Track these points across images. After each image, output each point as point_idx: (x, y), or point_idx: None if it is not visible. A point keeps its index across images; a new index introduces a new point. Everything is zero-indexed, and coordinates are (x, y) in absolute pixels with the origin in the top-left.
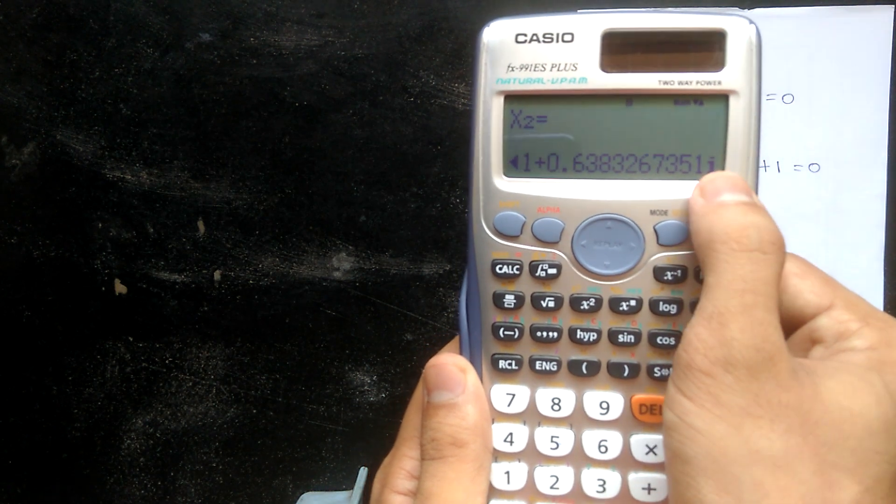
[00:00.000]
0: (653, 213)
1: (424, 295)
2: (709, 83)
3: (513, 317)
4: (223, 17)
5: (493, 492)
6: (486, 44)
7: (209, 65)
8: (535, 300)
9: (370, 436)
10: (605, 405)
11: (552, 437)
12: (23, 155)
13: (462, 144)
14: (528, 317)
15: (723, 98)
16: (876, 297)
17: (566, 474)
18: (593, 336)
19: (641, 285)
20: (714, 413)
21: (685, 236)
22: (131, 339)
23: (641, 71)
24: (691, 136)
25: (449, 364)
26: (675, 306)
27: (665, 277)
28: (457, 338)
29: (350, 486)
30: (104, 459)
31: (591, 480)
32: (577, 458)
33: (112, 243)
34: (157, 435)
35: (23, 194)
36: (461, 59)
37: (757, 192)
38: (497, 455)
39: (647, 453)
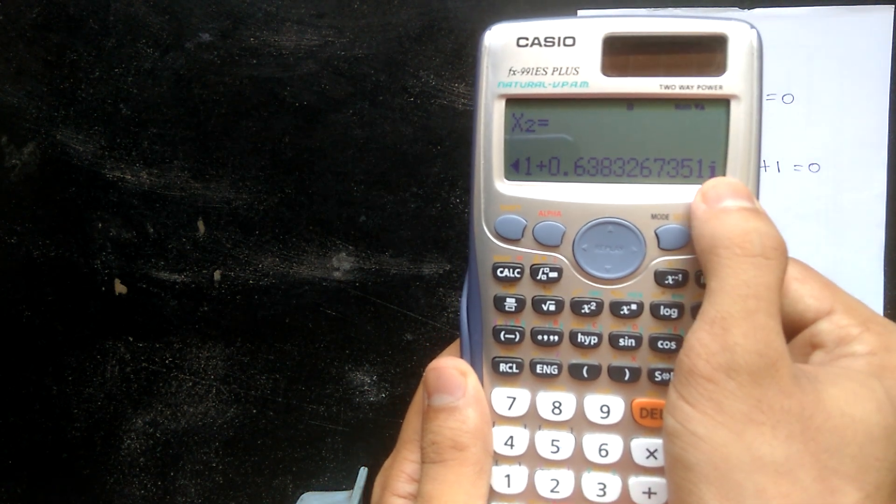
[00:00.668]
0: (654, 217)
1: (424, 295)
2: (710, 87)
3: (514, 320)
4: (223, 17)
5: (493, 495)
6: (487, 47)
7: (209, 65)
8: (536, 304)
9: (370, 436)
10: (605, 409)
11: (553, 440)
12: (23, 155)
13: (462, 144)
14: (528, 320)
15: (724, 102)
16: (876, 297)
17: (566, 478)
18: (594, 340)
19: (642, 289)
20: (716, 420)
21: (686, 240)
22: (131, 339)
23: (643, 75)
24: (692, 141)
25: (449, 367)
26: (675, 310)
27: (666, 281)
28: (457, 340)
29: (350, 486)
30: (104, 459)
31: (591, 484)
32: (578, 461)
33: (112, 243)
34: (157, 435)
35: (23, 194)
36: (461, 59)
37: (758, 196)
38: (497, 458)
39: (647, 457)
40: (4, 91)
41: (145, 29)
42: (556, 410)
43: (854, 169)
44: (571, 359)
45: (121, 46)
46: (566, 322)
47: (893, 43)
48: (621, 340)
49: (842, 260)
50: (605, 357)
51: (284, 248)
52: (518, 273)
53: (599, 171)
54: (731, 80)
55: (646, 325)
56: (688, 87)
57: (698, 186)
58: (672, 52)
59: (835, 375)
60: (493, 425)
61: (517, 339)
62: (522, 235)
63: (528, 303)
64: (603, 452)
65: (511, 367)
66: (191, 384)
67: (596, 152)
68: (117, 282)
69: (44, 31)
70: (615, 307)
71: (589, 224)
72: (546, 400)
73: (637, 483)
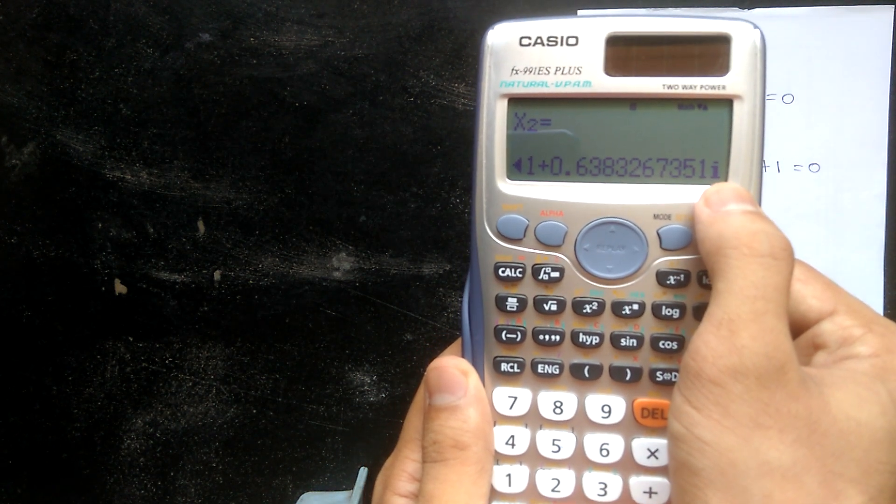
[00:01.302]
0: (656, 217)
1: (424, 295)
2: (713, 88)
3: (515, 320)
4: (223, 17)
5: (494, 494)
6: (490, 46)
7: (209, 65)
8: (538, 303)
9: (370, 436)
10: (606, 409)
11: (554, 440)
12: (23, 155)
13: (462, 144)
14: (530, 320)
15: (727, 103)
16: (876, 297)
17: (567, 477)
18: (596, 340)
19: (644, 289)
20: (723, 424)
21: (688, 240)
22: (131, 339)
23: (645, 75)
24: (695, 141)
25: (451, 367)
26: (677, 310)
27: (668, 281)
28: (458, 340)
29: (350, 486)
30: (104, 459)
31: (592, 484)
32: (579, 461)
33: (112, 243)
34: (157, 435)
35: (23, 194)
36: (461, 59)
37: (760, 196)
38: (499, 458)
39: (648, 457)
40: (4, 91)
41: (145, 29)
42: (558, 410)
43: (854, 169)
44: (573, 359)
45: (121, 46)
46: (568, 322)
47: (893, 43)
48: (623, 340)
49: (842, 260)
50: (607, 357)
51: (284, 248)
52: (520, 273)
53: (602, 170)
54: (735, 81)
55: (647, 326)
56: (691, 87)
57: (701, 187)
58: (675, 52)
59: (839, 379)
60: (495, 425)
61: (518, 339)
62: (524, 235)
63: (530, 302)
64: (604, 452)
65: (512, 367)
66: (191, 384)
67: (598, 152)
68: (117, 282)
69: (44, 31)
70: (617, 307)
71: (591, 224)
72: (547, 399)
73: (638, 483)
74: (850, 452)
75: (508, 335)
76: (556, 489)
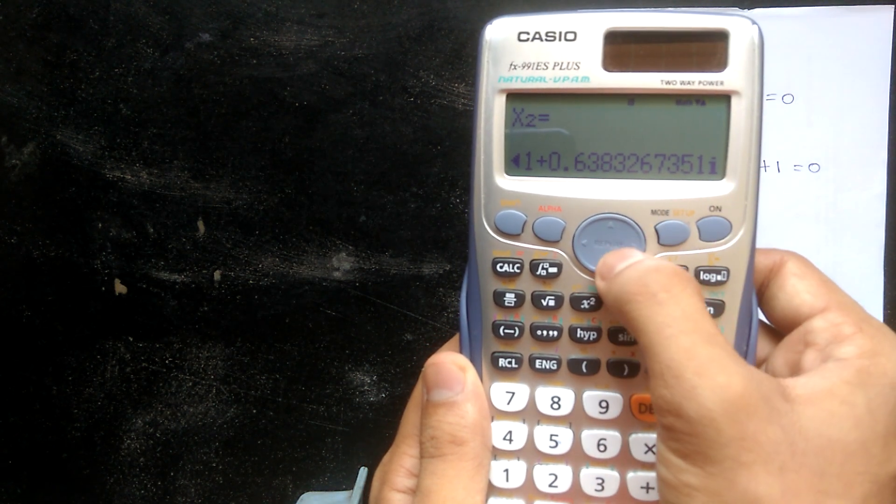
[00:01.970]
0: (654, 212)
1: (424, 295)
2: (711, 83)
3: (513, 315)
4: (223, 17)
5: (492, 490)
6: (488, 41)
7: (209, 65)
8: (536, 299)
9: (370, 436)
10: (604, 404)
11: (551, 435)
12: (23, 155)
13: (462, 144)
14: (528, 315)
15: (725, 98)
16: (876, 297)
17: (565, 473)
18: (593, 335)
19: None
20: (706, 470)
21: (686, 236)
22: (131, 339)
23: (644, 70)
24: (693, 137)
25: (448, 362)
26: None
27: None
28: (457, 335)
29: (350, 486)
30: (104, 459)
31: (589, 479)
32: (576, 456)
33: (112, 243)
34: (157, 435)
35: (23, 194)
36: (461, 59)
37: (758, 192)
38: (496, 453)
39: (645, 452)
40: (4, 91)
41: (145, 29)
42: (555, 405)
43: (854, 169)
44: (571, 354)
45: (121, 46)
46: (565, 317)
47: (893, 43)
48: (621, 336)
49: (842, 260)
50: (605, 352)
51: (284, 248)
52: (518, 268)
53: (600, 166)
54: (733, 76)
55: None
56: (689, 83)
57: (699, 182)
58: (673, 48)
59: (814, 392)
60: (492, 420)
61: (516, 335)
62: (522, 230)
63: (528, 298)
64: (601, 447)
65: (510, 362)
66: (191, 384)
67: (596, 147)
68: (117, 282)
69: (44, 31)
70: None
71: (589, 219)
72: (545, 395)
73: (635, 478)
74: (828, 468)
75: (506, 330)
76: (553, 484)
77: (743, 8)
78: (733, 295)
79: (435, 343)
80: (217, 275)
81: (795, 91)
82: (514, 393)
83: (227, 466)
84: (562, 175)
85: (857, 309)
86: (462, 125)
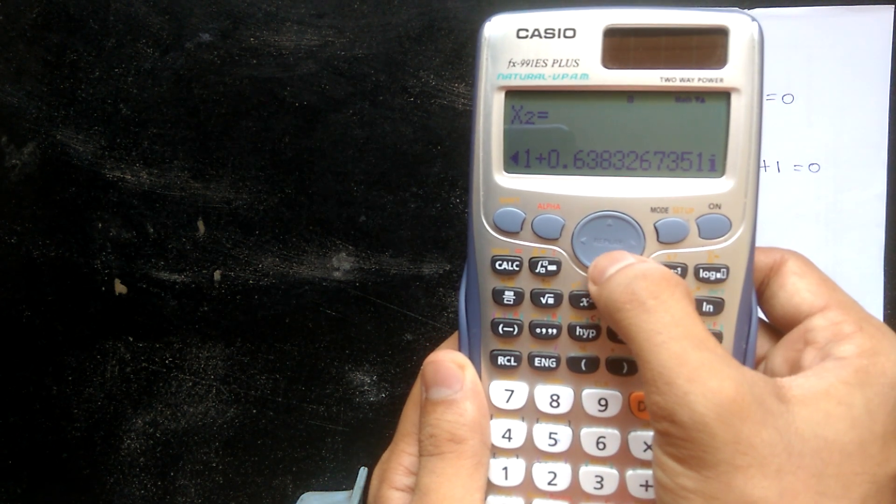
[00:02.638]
0: (653, 210)
1: (424, 295)
2: (710, 80)
3: (512, 313)
4: (223, 17)
5: (491, 488)
6: (487, 38)
7: (209, 65)
8: (535, 297)
9: (370, 436)
10: (603, 402)
11: (550, 433)
12: (23, 155)
13: (462, 144)
14: (527, 313)
15: (724, 95)
16: (876, 297)
17: (564, 471)
18: (592, 333)
19: None
20: (702, 474)
21: (686, 234)
22: (131, 339)
23: (643, 67)
24: (692, 134)
25: (447, 360)
26: None
27: None
28: (456, 333)
29: (350, 486)
30: (104, 459)
31: (588, 477)
32: (575, 454)
33: (112, 243)
34: (157, 435)
35: (23, 194)
36: (461, 59)
37: (758, 190)
38: (495, 451)
39: (644, 450)
40: (4, 91)
41: (145, 29)
42: (554, 403)
43: (854, 169)
44: (570, 352)
45: (121, 46)
46: (564, 315)
47: (893, 43)
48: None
49: (842, 260)
50: (604, 350)
51: (284, 248)
52: (517, 266)
53: (599, 164)
54: (732, 73)
55: None
56: (688, 80)
57: (698, 180)
58: (673, 45)
59: (810, 392)
60: (491, 418)
61: (515, 332)
62: (521, 228)
63: (527, 296)
64: (601, 445)
65: (509, 360)
66: (191, 384)
67: (595, 145)
68: (117, 282)
69: (44, 31)
70: None
71: (588, 217)
72: (544, 393)
73: (634, 476)
74: (825, 470)
75: (505, 328)
76: (552, 483)
77: (742, 7)
78: (733, 293)
79: (435, 343)
80: (217, 275)
81: (795, 91)
82: (513, 391)
83: (227, 466)
84: (561, 173)
85: (858, 308)
86: (462, 125)
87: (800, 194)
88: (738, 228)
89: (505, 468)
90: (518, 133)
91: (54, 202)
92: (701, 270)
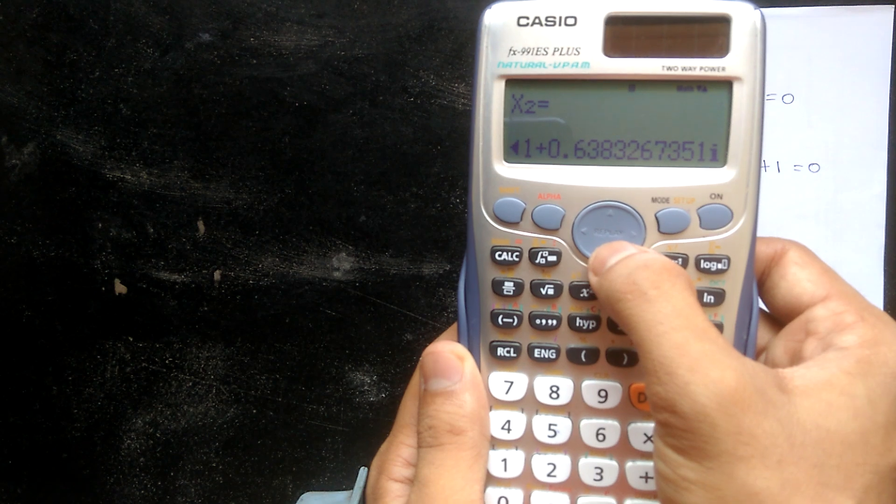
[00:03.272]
0: (654, 200)
1: (424, 295)
2: (713, 69)
3: (512, 304)
4: (223, 17)
5: (490, 479)
6: (487, 26)
7: (209, 65)
8: (535, 287)
9: (370, 436)
10: (603, 393)
11: (550, 424)
12: (23, 155)
13: (462, 144)
14: (527, 304)
15: (726, 84)
16: (876, 298)
17: (563, 462)
18: (592, 324)
19: None
20: (704, 465)
21: (687, 224)
22: (131, 339)
23: (645, 56)
24: (694, 123)
25: (446, 351)
26: None
27: None
28: (455, 325)
29: (350, 486)
30: (104, 459)
31: (588, 468)
32: (575, 446)
33: (112, 243)
34: (157, 435)
35: (23, 194)
36: (461, 59)
37: (759, 180)
38: (494, 442)
39: (644, 442)
40: (4, 91)
41: (145, 29)
42: (554, 395)
43: (854, 169)
44: (569, 343)
45: (121, 46)
46: (564, 306)
47: (893, 43)
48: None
49: (842, 260)
50: (604, 341)
51: (284, 248)
52: (516, 256)
53: (600, 153)
54: (734, 62)
55: None
56: (690, 69)
57: (700, 170)
58: (675, 33)
59: (811, 383)
60: (491, 409)
61: (515, 323)
62: (521, 218)
63: (527, 286)
64: (600, 437)
65: (509, 352)
66: (191, 384)
67: (596, 134)
68: (117, 282)
69: (44, 31)
70: None
71: (588, 207)
72: (544, 384)
73: (634, 467)
74: (828, 461)
75: (505, 319)
76: (552, 474)
77: None
78: (734, 283)
79: None
80: (217, 275)
81: (795, 91)
82: (512, 382)
83: (227, 466)
84: (561, 162)
85: (859, 298)
86: (462, 125)
87: (800, 194)
88: (740, 219)
89: (504, 460)
90: (518, 122)
91: (54, 202)
92: (702, 261)
